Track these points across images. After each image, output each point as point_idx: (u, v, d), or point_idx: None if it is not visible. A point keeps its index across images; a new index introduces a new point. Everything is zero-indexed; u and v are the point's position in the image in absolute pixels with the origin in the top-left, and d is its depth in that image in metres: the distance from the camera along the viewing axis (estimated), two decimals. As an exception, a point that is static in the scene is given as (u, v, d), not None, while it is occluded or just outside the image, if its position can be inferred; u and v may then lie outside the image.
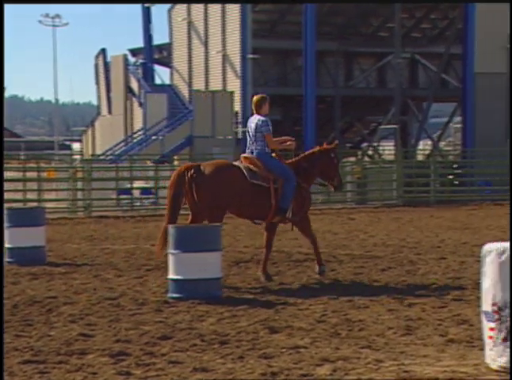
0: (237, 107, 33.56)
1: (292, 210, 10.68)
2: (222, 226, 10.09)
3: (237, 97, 33.51)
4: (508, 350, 5.95)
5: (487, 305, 6.09)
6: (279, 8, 36.96)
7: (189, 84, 36.33)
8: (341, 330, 7.56)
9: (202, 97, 33.13)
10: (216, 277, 9.40)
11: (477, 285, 6.31)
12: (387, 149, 37.20)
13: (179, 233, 9.41)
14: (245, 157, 10.74)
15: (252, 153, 10.69)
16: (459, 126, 41.58)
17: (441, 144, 45.55)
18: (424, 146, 45.43)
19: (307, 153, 11.30)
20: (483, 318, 6.15)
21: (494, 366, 6.08)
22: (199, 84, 35.86)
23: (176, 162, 28.14)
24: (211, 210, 10.25)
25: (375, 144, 38.18)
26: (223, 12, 34.58)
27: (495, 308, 6.00)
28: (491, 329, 6.05)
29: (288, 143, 11.02)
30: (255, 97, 10.84)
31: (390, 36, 37.76)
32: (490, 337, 6.06)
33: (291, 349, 6.80)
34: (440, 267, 11.75)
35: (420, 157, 39.14)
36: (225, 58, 34.65)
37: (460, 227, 18.64)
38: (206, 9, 35.58)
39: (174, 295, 9.26)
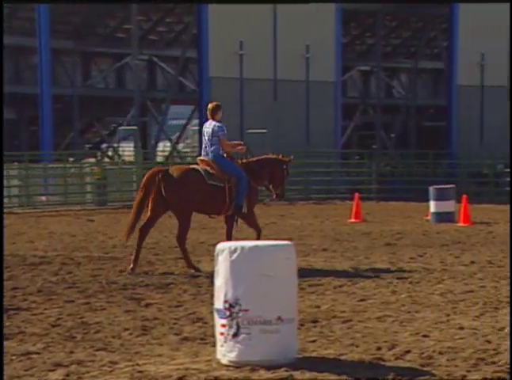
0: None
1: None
2: None
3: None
4: (238, 345, 6.15)
5: (219, 303, 6.24)
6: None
7: None
8: (76, 333, 7.41)
9: None
10: None
11: (212, 283, 6.44)
12: (127, 150, 37.20)
13: None
14: (201, 160, 11.96)
15: (207, 155, 11.82)
16: (196, 128, 42.48)
17: (180, 146, 46.31)
18: (163, 147, 45.92)
19: (261, 157, 12.65)
20: (216, 315, 6.30)
21: (224, 361, 6.25)
22: None
23: None
24: (180, 207, 11.55)
25: (115, 145, 38.03)
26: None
27: (227, 305, 6.17)
28: (223, 326, 6.21)
29: (240, 148, 12.27)
30: (210, 105, 12.12)
31: (127, 37, 37.76)
32: (222, 334, 6.22)
33: (22, 356, 6.56)
34: (177, 267, 11.91)
35: (160, 159, 39.53)
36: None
37: (198, 227, 19.03)
38: None
39: None
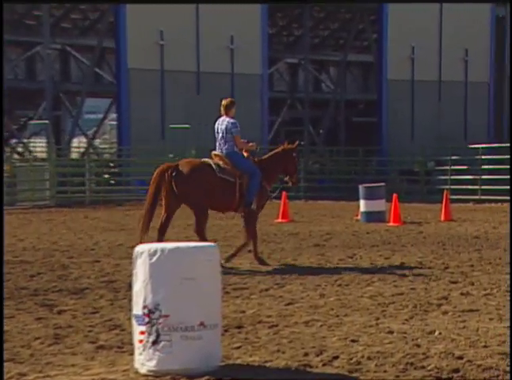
0: None
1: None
2: None
3: None
4: (157, 353, 6.12)
5: (137, 309, 6.20)
6: None
7: None
8: (-18, 344, 7.26)
9: None
10: None
11: (130, 288, 6.39)
12: (39, 146, 36.65)
13: None
14: (215, 155, 12.47)
15: (221, 152, 12.36)
16: (114, 123, 42.14)
17: (97, 141, 45.84)
18: (79, 143, 45.39)
19: (271, 153, 13.15)
20: (134, 322, 6.26)
21: (143, 370, 6.21)
22: None
23: None
24: (194, 201, 12.01)
25: (25, 140, 37.41)
26: None
27: (146, 311, 6.14)
28: (141, 333, 6.17)
29: (251, 144, 12.74)
30: (224, 101, 12.64)
31: (38, 24, 37.15)
32: (141, 341, 6.18)
33: None
34: (93, 271, 11.79)
35: (75, 155, 39.07)
36: None
37: (116, 228, 18.89)
38: None
39: None
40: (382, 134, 40.21)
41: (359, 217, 20.84)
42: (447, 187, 29.42)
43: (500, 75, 43.61)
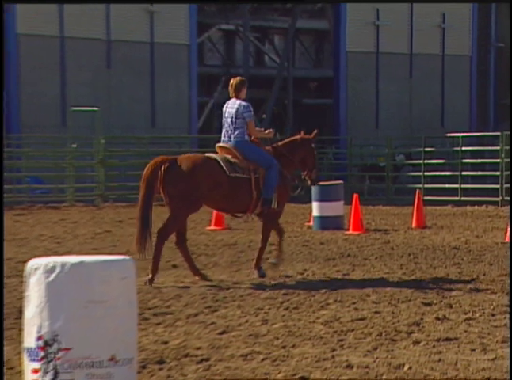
0: None
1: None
2: None
3: None
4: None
5: (30, 340, 6.14)
6: None
7: None
8: None
9: None
10: None
11: (21, 314, 6.33)
12: None
13: None
14: (221, 147, 12.81)
15: (229, 141, 12.70)
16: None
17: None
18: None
19: (287, 140, 13.71)
20: (26, 357, 6.21)
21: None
22: None
23: None
24: (179, 200, 12.30)
25: None
26: None
27: (41, 343, 6.08)
28: (35, 371, 6.11)
29: (267, 132, 13.26)
30: (234, 80, 12.90)
31: None
32: (35, 381, 6.13)
33: None
34: (-26, 293, 11.65)
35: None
36: None
37: (5, 238, 18.71)
38: None
39: None
40: (339, 120, 40.52)
41: (311, 223, 20.95)
42: (420, 186, 29.81)
43: (485, 47, 44.29)
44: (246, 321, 9.72)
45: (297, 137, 13.77)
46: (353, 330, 9.21)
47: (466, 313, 10.06)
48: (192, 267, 12.76)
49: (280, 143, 13.73)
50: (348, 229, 19.80)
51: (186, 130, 36.76)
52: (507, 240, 17.37)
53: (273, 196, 12.85)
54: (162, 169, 12.26)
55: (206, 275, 12.72)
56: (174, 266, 14.14)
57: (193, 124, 37.49)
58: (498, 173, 29.58)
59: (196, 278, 12.61)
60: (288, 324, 9.56)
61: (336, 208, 20.48)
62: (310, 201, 21.01)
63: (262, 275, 12.95)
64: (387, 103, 40.42)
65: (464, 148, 31.21)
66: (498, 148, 29.92)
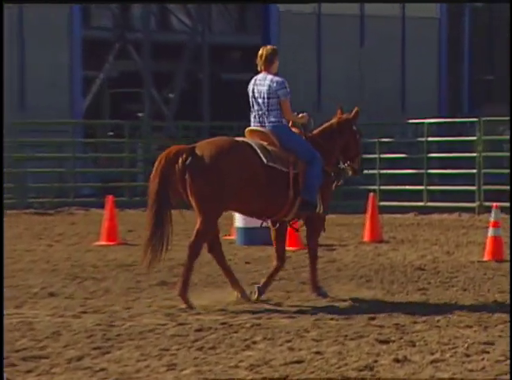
0: None
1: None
2: None
3: None
4: None
5: None
6: None
7: None
8: None
9: None
10: None
11: None
12: None
13: None
14: (253, 131, 13.09)
15: (263, 126, 12.98)
16: None
17: None
18: None
19: (323, 126, 13.92)
20: None
21: None
22: None
23: None
24: (208, 204, 12.50)
25: None
26: None
27: None
28: None
29: (300, 116, 13.48)
30: (263, 49, 13.21)
31: None
32: None
33: None
34: None
35: None
36: None
37: None
38: None
39: None
40: (270, 102, 40.55)
41: (233, 236, 20.98)
42: (374, 187, 29.93)
43: (457, 7, 44.67)
44: (147, 366, 9.69)
45: (333, 121, 14.05)
46: (286, 377, 9.23)
47: (433, 354, 10.14)
48: (233, 281, 13.24)
49: (315, 131, 13.93)
50: (280, 245, 19.83)
51: (67, 114, 36.55)
52: (487, 258, 17.56)
53: (316, 199, 13.14)
54: (180, 161, 12.40)
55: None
56: (51, 294, 14.05)
57: (77, 105, 37.31)
58: (474, 171, 29.75)
59: (238, 295, 13.11)
60: (203, 369, 9.56)
61: (264, 217, 20.53)
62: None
63: (324, 295, 13.31)
64: (332, 79, 40.58)
65: (430, 138, 31.41)
66: (473, 138, 30.14)
